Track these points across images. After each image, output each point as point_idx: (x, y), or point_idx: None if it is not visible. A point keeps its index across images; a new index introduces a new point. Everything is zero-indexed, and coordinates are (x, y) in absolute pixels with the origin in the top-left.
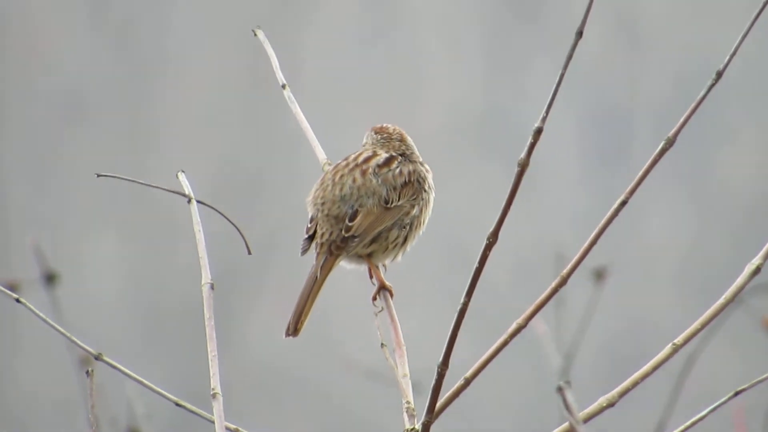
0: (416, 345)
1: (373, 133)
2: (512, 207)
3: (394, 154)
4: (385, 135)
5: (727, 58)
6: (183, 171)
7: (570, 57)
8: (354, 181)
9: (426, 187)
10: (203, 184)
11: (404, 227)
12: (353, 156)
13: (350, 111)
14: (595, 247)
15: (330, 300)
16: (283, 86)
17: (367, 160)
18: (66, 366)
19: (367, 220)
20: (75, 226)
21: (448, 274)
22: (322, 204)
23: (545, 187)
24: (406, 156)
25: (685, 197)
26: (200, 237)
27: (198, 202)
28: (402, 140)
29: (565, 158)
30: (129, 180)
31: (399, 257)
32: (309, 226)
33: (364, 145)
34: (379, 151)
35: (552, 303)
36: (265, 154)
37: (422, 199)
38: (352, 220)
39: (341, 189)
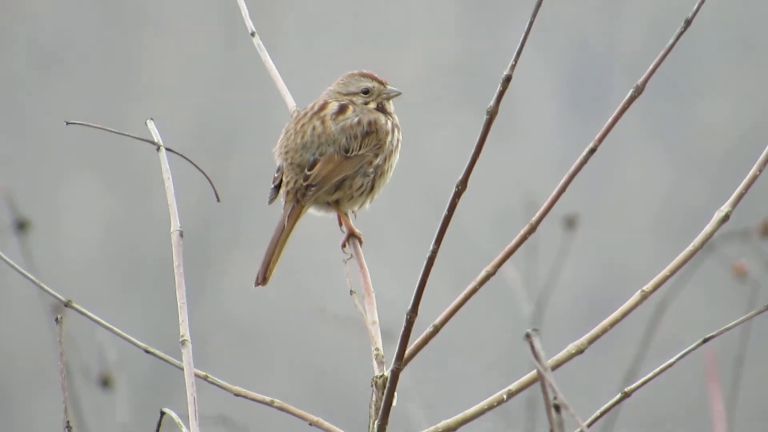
0: (387, 293)
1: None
2: (484, 155)
3: (345, 102)
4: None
5: (696, 5)
6: (152, 119)
7: (539, 3)
8: (314, 129)
9: (389, 139)
10: (182, 135)
11: (368, 175)
12: (310, 105)
13: (324, 61)
14: (571, 197)
15: (299, 248)
16: (252, 34)
17: (322, 108)
18: (38, 314)
19: (326, 168)
20: (51, 174)
21: (421, 222)
22: (286, 153)
23: (521, 135)
24: (364, 100)
25: (660, 145)
26: (169, 185)
27: (167, 149)
28: (367, 78)
29: (541, 107)
30: (99, 128)
31: (366, 205)
32: (276, 175)
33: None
34: (330, 100)
35: (524, 251)
36: (243, 106)
37: (386, 149)
38: (311, 168)
39: (302, 137)
